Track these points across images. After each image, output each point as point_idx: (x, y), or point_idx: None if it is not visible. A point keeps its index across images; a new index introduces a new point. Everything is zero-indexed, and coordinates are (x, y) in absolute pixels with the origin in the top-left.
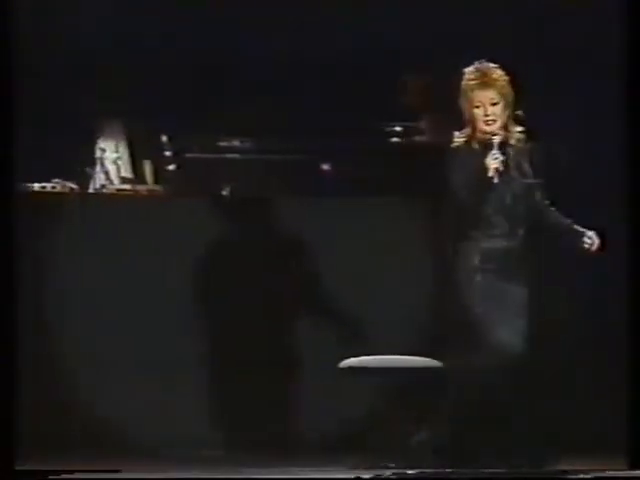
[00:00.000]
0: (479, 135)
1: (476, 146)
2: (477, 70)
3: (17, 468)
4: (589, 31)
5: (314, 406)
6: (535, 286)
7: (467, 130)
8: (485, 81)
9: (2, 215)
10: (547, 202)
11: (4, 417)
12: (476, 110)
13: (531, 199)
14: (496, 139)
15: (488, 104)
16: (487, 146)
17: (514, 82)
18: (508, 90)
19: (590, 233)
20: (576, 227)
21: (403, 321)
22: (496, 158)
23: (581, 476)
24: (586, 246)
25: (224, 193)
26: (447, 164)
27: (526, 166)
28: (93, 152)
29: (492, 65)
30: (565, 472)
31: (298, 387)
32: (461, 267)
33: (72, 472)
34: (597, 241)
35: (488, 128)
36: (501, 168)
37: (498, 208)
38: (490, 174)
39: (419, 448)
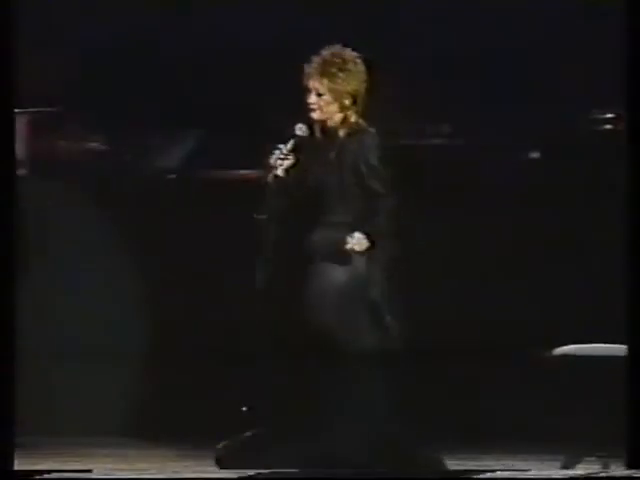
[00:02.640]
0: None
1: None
2: (321, 58)
3: (16, 468)
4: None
5: None
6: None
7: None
8: (320, 70)
9: None
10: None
11: (2, 417)
12: (308, 95)
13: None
14: (298, 131)
15: (314, 92)
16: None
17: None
18: (346, 86)
19: (356, 234)
20: (349, 227)
21: None
22: (275, 151)
23: (581, 476)
24: (348, 245)
25: None
26: None
27: (352, 166)
28: None
29: (343, 56)
30: (564, 472)
31: None
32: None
33: (73, 472)
34: (363, 243)
35: (314, 115)
36: (276, 165)
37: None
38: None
39: None
